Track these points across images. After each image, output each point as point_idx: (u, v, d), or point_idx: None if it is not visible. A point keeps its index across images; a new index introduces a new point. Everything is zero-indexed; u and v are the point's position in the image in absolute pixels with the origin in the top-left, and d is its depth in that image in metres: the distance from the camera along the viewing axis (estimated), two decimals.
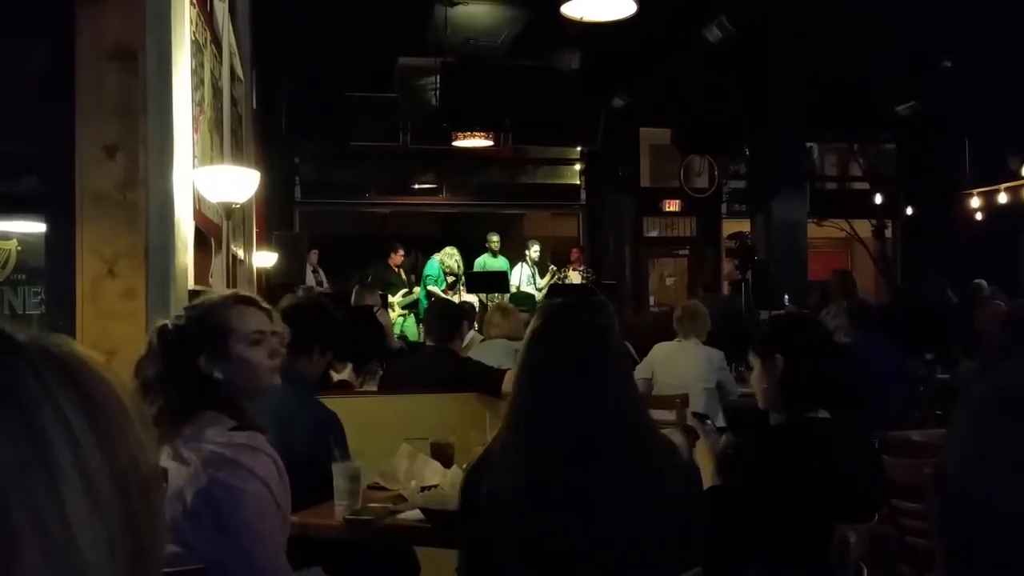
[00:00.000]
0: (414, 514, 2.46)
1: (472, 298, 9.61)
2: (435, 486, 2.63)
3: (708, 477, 2.24)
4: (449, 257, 10.36)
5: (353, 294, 7.20)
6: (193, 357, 1.99)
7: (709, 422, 2.40)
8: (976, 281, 8.40)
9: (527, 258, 11.02)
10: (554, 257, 11.70)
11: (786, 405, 2.30)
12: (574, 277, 10.83)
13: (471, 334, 5.51)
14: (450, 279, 10.30)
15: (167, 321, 2.04)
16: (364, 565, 2.58)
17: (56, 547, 0.58)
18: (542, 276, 10.97)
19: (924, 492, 2.71)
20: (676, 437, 2.43)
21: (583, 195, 12.52)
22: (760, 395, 2.38)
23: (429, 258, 10.68)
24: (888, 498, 2.85)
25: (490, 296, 9.56)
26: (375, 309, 6.52)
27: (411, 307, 10.24)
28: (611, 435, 1.73)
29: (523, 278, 10.82)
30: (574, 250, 11.44)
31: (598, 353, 1.80)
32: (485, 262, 10.67)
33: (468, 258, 10.64)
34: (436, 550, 2.56)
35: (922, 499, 2.75)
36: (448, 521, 2.29)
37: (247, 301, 2.13)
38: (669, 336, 5.44)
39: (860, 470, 2.27)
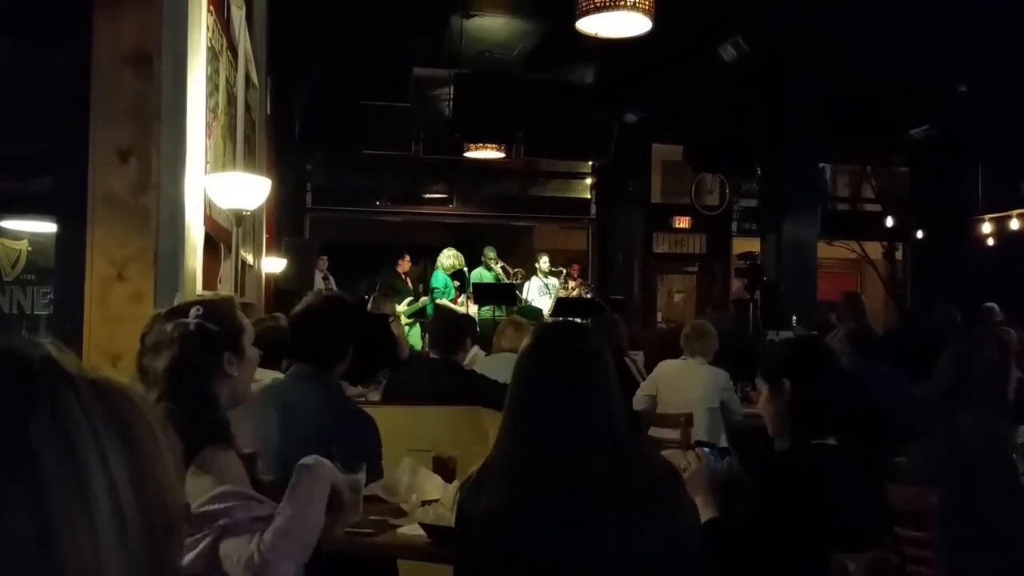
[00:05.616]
0: (413, 528, 2.45)
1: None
2: (435, 500, 2.62)
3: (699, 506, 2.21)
4: (447, 259, 10.20)
5: (371, 301, 7.18)
6: (219, 355, 1.92)
7: (708, 451, 2.38)
8: (987, 305, 8.29)
9: (537, 270, 10.96)
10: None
11: (794, 431, 2.27)
12: (573, 290, 10.79)
13: (474, 350, 5.46)
14: (456, 283, 10.15)
15: (186, 320, 1.90)
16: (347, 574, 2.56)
17: None
18: (559, 281, 10.84)
19: (927, 520, 2.69)
20: (681, 459, 2.42)
21: (593, 209, 12.51)
22: (768, 421, 2.35)
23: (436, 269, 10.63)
24: (891, 526, 2.82)
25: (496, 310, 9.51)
26: (390, 319, 6.49)
27: (417, 315, 10.20)
28: (600, 455, 1.76)
29: (533, 290, 10.76)
30: (574, 265, 11.41)
31: (587, 374, 1.83)
32: (481, 275, 10.58)
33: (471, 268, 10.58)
34: (418, 563, 2.55)
35: (925, 527, 2.73)
36: (449, 537, 2.28)
37: (233, 300, 2.13)
38: (676, 353, 5.42)
39: (864, 499, 2.24)
